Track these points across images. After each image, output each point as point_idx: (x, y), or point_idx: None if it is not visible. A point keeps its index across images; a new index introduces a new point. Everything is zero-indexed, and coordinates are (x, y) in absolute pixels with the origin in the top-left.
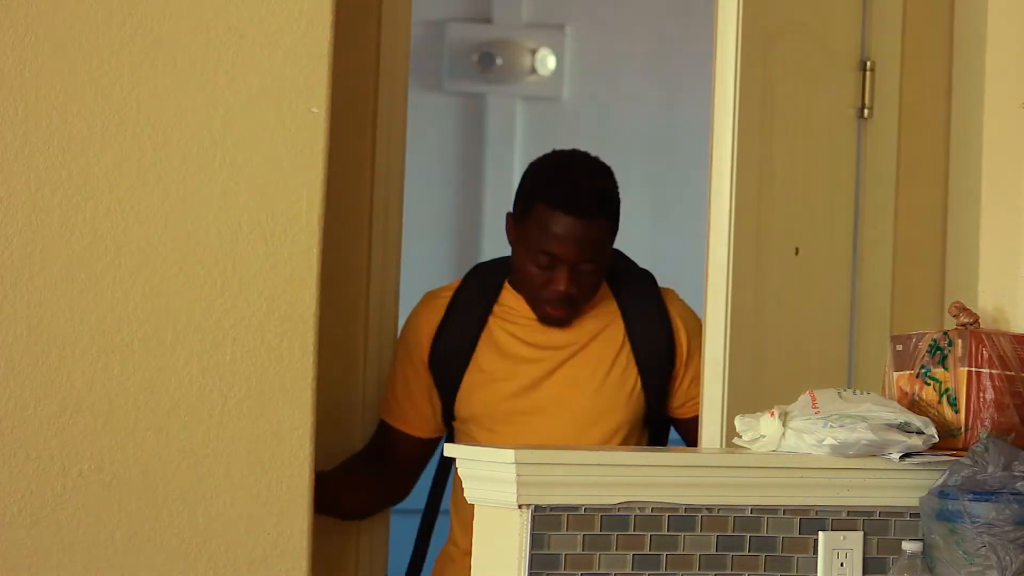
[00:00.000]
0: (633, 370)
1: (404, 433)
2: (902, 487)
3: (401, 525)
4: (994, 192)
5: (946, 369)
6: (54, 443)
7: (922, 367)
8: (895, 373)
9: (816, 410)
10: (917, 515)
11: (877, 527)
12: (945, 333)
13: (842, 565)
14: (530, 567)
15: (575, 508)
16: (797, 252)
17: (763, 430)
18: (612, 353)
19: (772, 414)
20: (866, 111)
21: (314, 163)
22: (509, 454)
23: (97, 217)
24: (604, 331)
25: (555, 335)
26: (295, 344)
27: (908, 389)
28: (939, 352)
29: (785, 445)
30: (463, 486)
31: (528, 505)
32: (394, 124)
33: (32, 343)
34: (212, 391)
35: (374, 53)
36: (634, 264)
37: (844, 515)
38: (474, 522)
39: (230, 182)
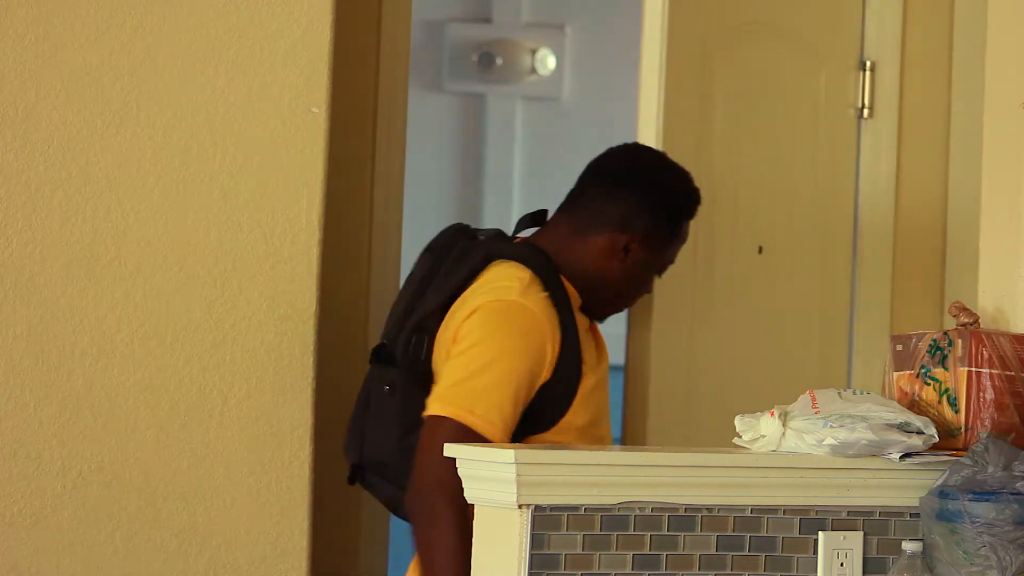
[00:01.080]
0: None
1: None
2: (902, 487)
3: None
4: (994, 192)
5: (946, 369)
6: (54, 443)
7: (922, 367)
8: (895, 373)
9: (816, 410)
10: (917, 515)
11: (877, 527)
12: (945, 333)
13: (842, 565)
14: (530, 567)
15: (575, 508)
16: (760, 251)
17: (763, 430)
18: None
19: (772, 414)
20: (866, 111)
21: (314, 163)
22: (509, 454)
23: (97, 217)
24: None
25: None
26: (295, 344)
27: (908, 389)
28: (939, 352)
29: (785, 445)
30: (463, 486)
31: (528, 505)
32: (394, 124)
33: (32, 343)
34: (212, 391)
35: (374, 53)
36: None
37: (844, 515)
38: (474, 522)
39: (230, 182)
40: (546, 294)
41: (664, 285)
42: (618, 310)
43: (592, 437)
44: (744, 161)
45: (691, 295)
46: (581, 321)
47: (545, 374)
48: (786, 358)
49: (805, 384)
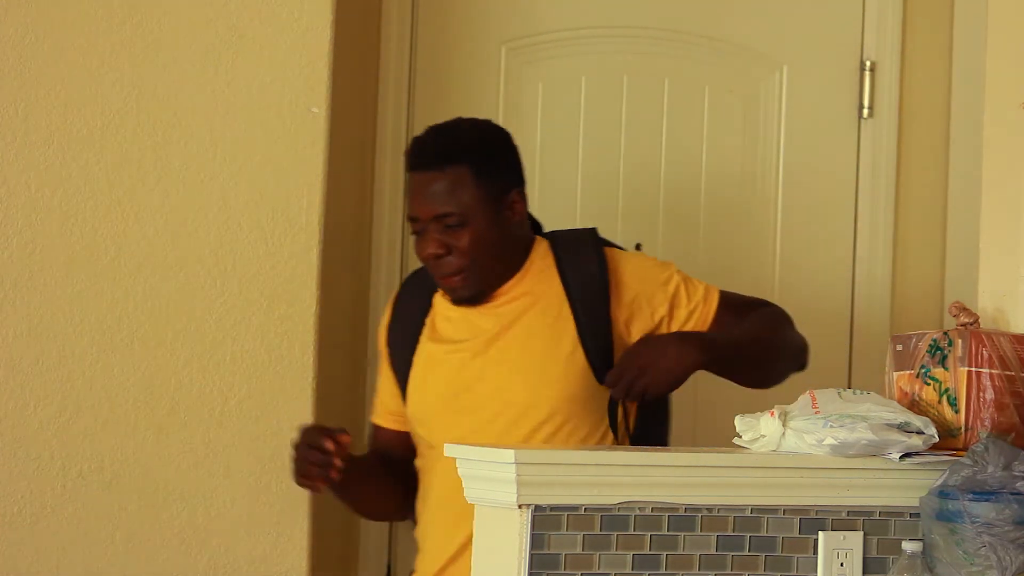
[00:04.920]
0: (571, 339)
1: (382, 428)
2: (902, 487)
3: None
4: (994, 192)
5: (946, 369)
6: (54, 443)
7: (922, 367)
8: (895, 373)
9: (816, 410)
10: (917, 515)
11: (877, 527)
12: (945, 333)
13: (842, 565)
14: (530, 567)
15: (575, 508)
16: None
17: (763, 430)
18: (547, 324)
19: (772, 414)
20: (866, 111)
21: (314, 163)
22: (509, 454)
23: (97, 217)
24: (538, 303)
25: (484, 316)
26: (295, 344)
27: (908, 389)
28: (939, 352)
29: (785, 445)
30: (463, 486)
31: (528, 505)
32: (394, 124)
33: (32, 343)
34: (212, 391)
35: (374, 53)
36: (577, 229)
37: (844, 515)
38: (474, 522)
39: (230, 182)
40: (394, 296)
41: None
42: (444, 289)
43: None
44: (743, 161)
45: None
46: (439, 314)
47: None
48: None
49: (805, 384)
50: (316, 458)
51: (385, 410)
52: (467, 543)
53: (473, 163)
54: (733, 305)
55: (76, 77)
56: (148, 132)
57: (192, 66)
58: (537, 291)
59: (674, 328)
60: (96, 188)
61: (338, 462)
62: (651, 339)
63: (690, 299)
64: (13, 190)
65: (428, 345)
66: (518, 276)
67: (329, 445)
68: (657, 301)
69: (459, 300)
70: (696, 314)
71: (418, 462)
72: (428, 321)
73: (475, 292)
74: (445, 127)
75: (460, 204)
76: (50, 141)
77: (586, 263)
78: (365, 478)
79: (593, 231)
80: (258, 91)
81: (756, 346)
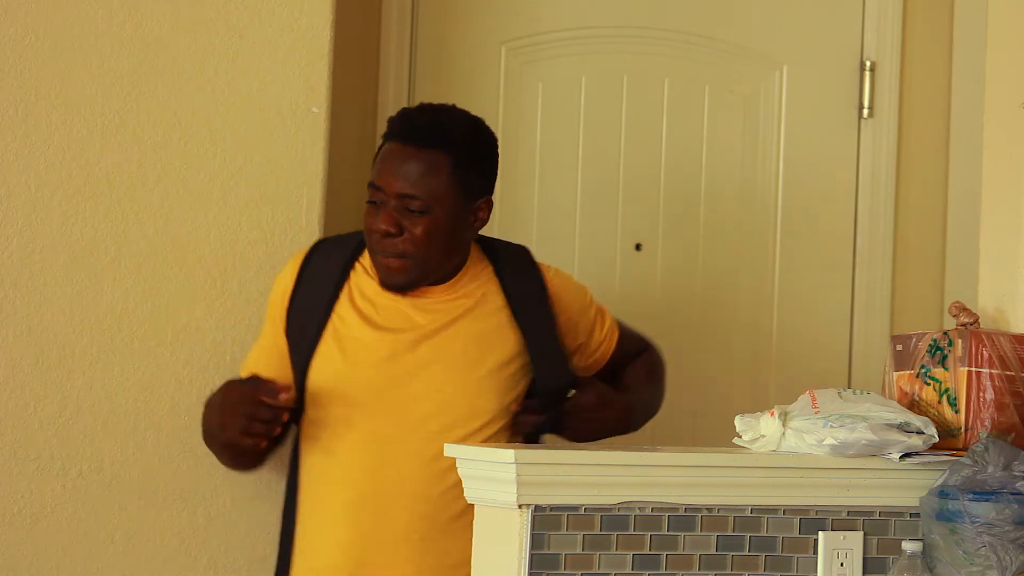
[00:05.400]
0: (514, 348)
1: None
2: (902, 487)
3: None
4: (994, 192)
5: (946, 369)
6: (54, 443)
7: (922, 367)
8: (895, 373)
9: (816, 410)
10: (917, 515)
11: (877, 527)
12: (945, 333)
13: (842, 565)
14: (530, 567)
15: (575, 508)
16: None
17: (763, 430)
18: (489, 331)
19: (772, 414)
20: (866, 111)
21: (314, 163)
22: (509, 454)
23: (97, 217)
24: (478, 308)
25: (419, 310)
26: None
27: (908, 389)
28: (939, 352)
29: (785, 445)
30: (463, 486)
31: (528, 505)
32: None
33: (32, 343)
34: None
35: (374, 53)
36: (511, 243)
37: (844, 515)
38: (474, 522)
39: (230, 182)
40: (303, 253)
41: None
42: (377, 267)
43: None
44: (743, 160)
45: (701, 298)
46: (365, 284)
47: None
48: (786, 358)
49: (805, 384)
50: (265, 414)
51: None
52: (370, 532)
53: (457, 154)
54: (626, 340)
55: (76, 77)
56: (148, 132)
57: (192, 66)
58: (476, 295)
59: (587, 355)
60: (96, 188)
61: (285, 417)
62: (605, 396)
63: (601, 330)
64: (13, 190)
65: (348, 321)
66: (456, 278)
67: (278, 400)
68: (581, 327)
69: (390, 285)
70: (603, 347)
71: (307, 444)
72: (344, 295)
73: (410, 281)
74: (440, 109)
75: (429, 191)
76: (50, 141)
77: (527, 277)
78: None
79: (527, 251)
80: (258, 91)
81: (646, 412)
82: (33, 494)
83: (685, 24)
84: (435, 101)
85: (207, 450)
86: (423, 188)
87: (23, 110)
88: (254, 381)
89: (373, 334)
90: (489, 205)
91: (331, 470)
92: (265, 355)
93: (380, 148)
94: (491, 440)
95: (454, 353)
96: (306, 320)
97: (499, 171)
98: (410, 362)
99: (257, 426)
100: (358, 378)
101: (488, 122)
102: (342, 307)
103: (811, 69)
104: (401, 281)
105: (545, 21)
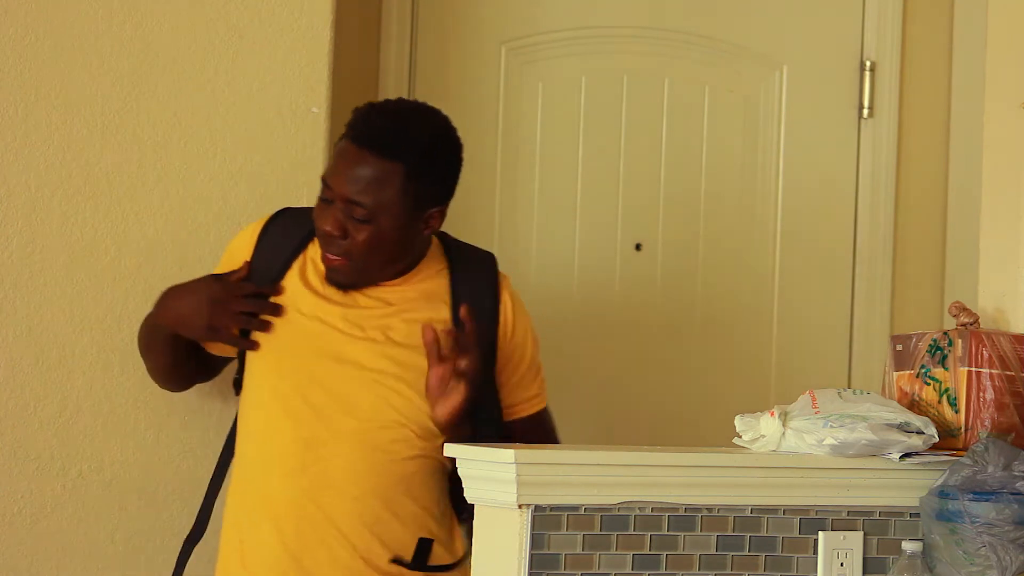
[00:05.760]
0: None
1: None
2: (902, 487)
3: None
4: (994, 192)
5: (946, 369)
6: (54, 443)
7: (922, 367)
8: (895, 373)
9: (816, 410)
10: (917, 515)
11: (877, 527)
12: (945, 333)
13: (842, 565)
14: (530, 567)
15: (575, 508)
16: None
17: (763, 430)
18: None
19: (772, 414)
20: (866, 111)
21: (314, 163)
22: (509, 454)
23: (97, 217)
24: (423, 310)
25: (368, 298)
26: None
27: (908, 389)
28: (939, 352)
29: (785, 445)
30: (463, 486)
31: (528, 505)
32: None
33: (32, 343)
34: (212, 391)
35: (374, 53)
36: (477, 248)
37: (844, 515)
38: (474, 522)
39: (230, 182)
40: (264, 220)
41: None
42: (324, 261)
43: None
44: (743, 161)
45: (701, 298)
46: (308, 271)
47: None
48: (786, 358)
49: (805, 384)
50: (248, 306)
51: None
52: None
53: (411, 165)
54: (537, 429)
55: (76, 77)
56: (148, 132)
57: (192, 66)
58: (428, 294)
59: (511, 377)
60: (96, 188)
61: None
62: None
63: (526, 390)
64: (13, 190)
65: (300, 287)
66: (409, 275)
67: (263, 290)
68: (508, 372)
69: (332, 282)
70: (519, 407)
71: (243, 418)
72: (295, 269)
73: (351, 283)
74: (401, 112)
75: (377, 201)
76: (50, 141)
77: (482, 287)
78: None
79: (493, 259)
80: (258, 91)
81: None
82: (33, 494)
83: (685, 24)
84: (435, 101)
85: (207, 450)
86: (370, 197)
87: (23, 110)
88: (233, 277)
89: (325, 309)
90: (442, 212)
91: (267, 451)
92: None
93: (339, 142)
94: (430, 435)
95: (400, 356)
96: (261, 283)
97: (497, 170)
98: (355, 353)
99: (243, 318)
100: (310, 349)
101: (488, 122)
102: (290, 281)
103: (811, 69)
104: (342, 280)
105: (545, 21)
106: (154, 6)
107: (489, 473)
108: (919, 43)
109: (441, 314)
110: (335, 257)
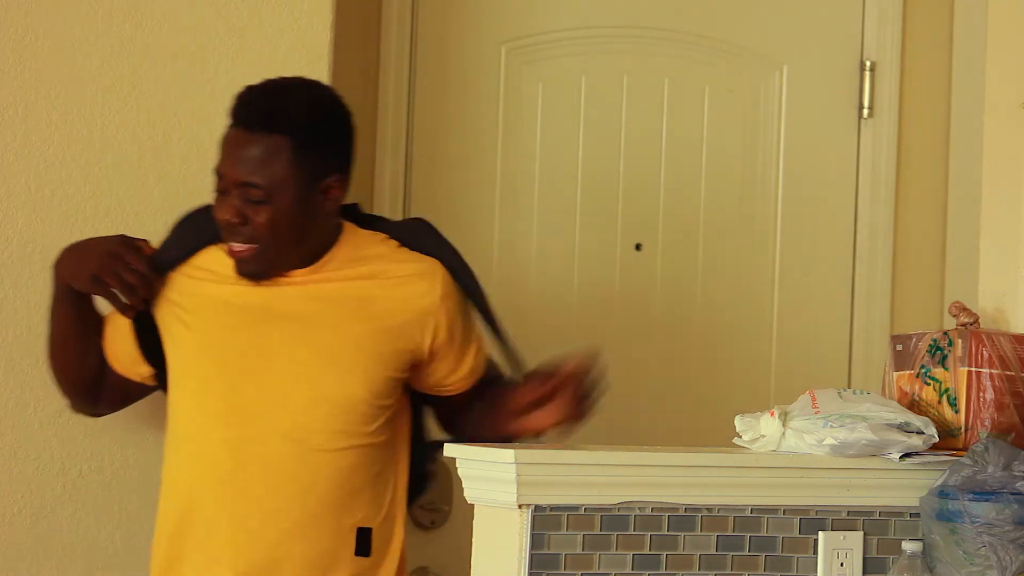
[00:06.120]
0: (386, 342)
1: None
2: (902, 487)
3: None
4: (994, 192)
5: (946, 369)
6: (54, 443)
7: (922, 367)
8: (895, 373)
9: (816, 410)
10: (917, 515)
11: (877, 527)
12: (945, 333)
13: (842, 565)
14: (530, 567)
15: (575, 508)
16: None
17: (763, 430)
18: (357, 323)
19: (772, 414)
20: (866, 111)
21: None
22: (509, 454)
23: (97, 217)
24: (342, 299)
25: (281, 285)
26: None
27: (908, 389)
28: (939, 352)
29: (785, 445)
30: (463, 486)
31: (528, 505)
32: (395, 123)
33: (32, 343)
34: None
35: (374, 53)
36: (401, 221)
37: (844, 515)
38: (474, 522)
39: None
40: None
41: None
42: (231, 255)
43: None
44: (743, 161)
45: (701, 298)
46: (209, 264)
47: None
48: (786, 358)
49: (805, 384)
50: (132, 277)
51: (116, 348)
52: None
53: (297, 136)
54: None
55: (76, 77)
56: (148, 132)
57: (192, 66)
58: (345, 280)
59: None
60: (96, 188)
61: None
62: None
63: (459, 362)
64: (13, 190)
65: (208, 284)
66: (323, 260)
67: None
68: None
69: (243, 273)
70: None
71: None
72: (193, 266)
73: (262, 270)
74: (279, 88)
75: (269, 178)
76: (50, 141)
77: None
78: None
79: (423, 223)
80: None
81: None
82: (33, 494)
83: (685, 24)
84: (435, 101)
85: None
86: (262, 176)
87: (23, 110)
88: (134, 242)
89: (242, 296)
90: (342, 182)
91: (197, 454)
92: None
93: (225, 133)
94: (364, 420)
95: (326, 338)
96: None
97: (497, 170)
98: (277, 341)
99: (124, 285)
100: (232, 347)
101: (488, 122)
102: (184, 278)
103: (811, 69)
104: (252, 269)
105: (545, 21)
106: (154, 6)
107: (489, 473)
108: (919, 43)
109: (363, 292)
110: (241, 247)
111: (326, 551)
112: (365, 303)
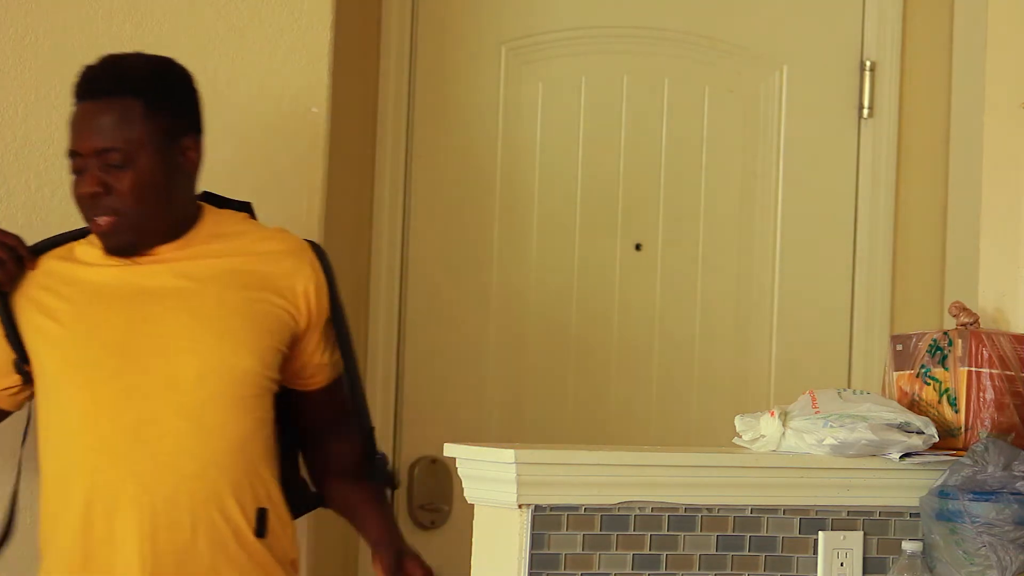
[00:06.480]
0: (268, 312)
1: None
2: (902, 487)
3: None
4: (994, 192)
5: (946, 369)
6: None
7: (922, 367)
8: (895, 373)
9: (816, 410)
10: (917, 515)
11: (877, 527)
12: (945, 333)
13: (842, 565)
14: (530, 567)
15: (575, 508)
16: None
17: (763, 430)
18: (235, 293)
19: (772, 414)
20: (866, 111)
21: (314, 163)
22: (509, 454)
23: None
24: (216, 273)
25: (149, 275)
26: None
27: (908, 389)
28: (939, 352)
29: (785, 445)
30: (463, 486)
31: (528, 505)
32: (394, 124)
33: None
34: None
35: (374, 53)
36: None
37: (844, 515)
38: (474, 522)
39: (230, 182)
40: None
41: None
42: (95, 232)
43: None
44: (743, 161)
45: (701, 298)
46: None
47: None
48: (786, 357)
49: (805, 384)
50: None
51: None
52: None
53: (146, 96)
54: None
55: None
56: None
57: (192, 66)
58: (208, 257)
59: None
60: None
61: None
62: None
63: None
64: (13, 190)
65: (76, 265)
66: (189, 235)
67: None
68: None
69: (112, 248)
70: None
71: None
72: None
73: (130, 241)
74: (120, 57)
75: (126, 140)
76: (50, 141)
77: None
78: None
79: (247, 209)
80: (258, 91)
81: None
82: (34, 493)
83: (685, 24)
84: (435, 101)
85: None
86: (119, 138)
87: (23, 110)
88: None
89: (105, 286)
90: (197, 143)
91: (89, 444)
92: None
93: (71, 115)
94: (259, 391)
95: (195, 311)
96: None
97: (497, 171)
98: (145, 322)
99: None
100: (98, 344)
101: (488, 122)
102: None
103: (811, 69)
104: (120, 242)
105: (545, 21)
106: (154, 6)
107: (489, 473)
108: (919, 43)
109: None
110: (105, 219)
111: (232, 532)
112: (239, 275)
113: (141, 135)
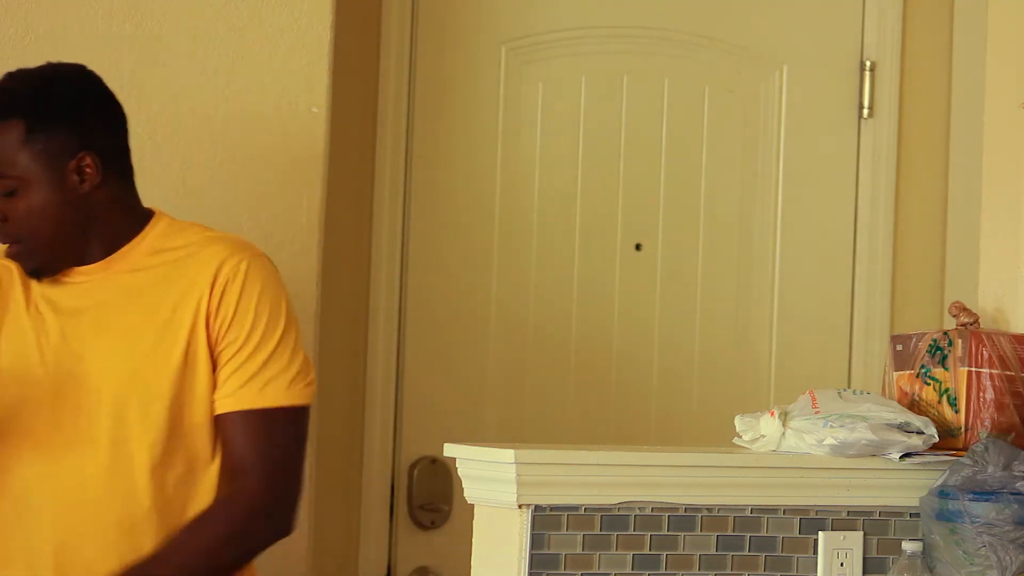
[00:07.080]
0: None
1: None
2: (902, 487)
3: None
4: (994, 192)
5: (946, 369)
6: None
7: (922, 367)
8: (895, 373)
9: (816, 410)
10: (917, 515)
11: (877, 527)
12: (945, 333)
13: (842, 565)
14: (530, 567)
15: (575, 508)
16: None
17: (763, 430)
18: (156, 326)
19: (772, 414)
20: (866, 111)
21: (314, 163)
22: (509, 454)
23: None
24: (139, 288)
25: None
26: None
27: (908, 389)
28: (939, 352)
29: (785, 445)
30: (463, 486)
31: (528, 505)
32: (394, 124)
33: None
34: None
35: (374, 53)
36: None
37: (844, 515)
38: (474, 522)
39: (230, 182)
40: None
41: (673, 292)
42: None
43: None
44: (743, 161)
45: (701, 298)
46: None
47: None
48: (786, 358)
49: (805, 384)
50: None
51: None
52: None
53: (28, 118)
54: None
55: None
56: (147, 132)
57: (192, 66)
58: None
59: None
60: None
61: None
62: None
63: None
64: None
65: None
66: (118, 255)
67: None
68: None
69: (27, 272)
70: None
71: None
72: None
73: (40, 265)
74: (9, 76)
75: (11, 166)
76: None
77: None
78: None
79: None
80: (258, 91)
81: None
82: None
83: (685, 24)
84: (435, 101)
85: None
86: (5, 164)
87: None
88: None
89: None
90: (93, 159)
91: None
92: None
93: None
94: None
95: (127, 330)
96: None
97: (497, 170)
98: (74, 349)
99: None
100: (36, 365)
101: (488, 122)
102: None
103: (811, 69)
104: (27, 267)
105: (545, 21)
106: (154, 6)
107: (489, 473)
108: (919, 43)
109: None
110: (10, 247)
111: None
112: (163, 287)
113: (27, 160)
